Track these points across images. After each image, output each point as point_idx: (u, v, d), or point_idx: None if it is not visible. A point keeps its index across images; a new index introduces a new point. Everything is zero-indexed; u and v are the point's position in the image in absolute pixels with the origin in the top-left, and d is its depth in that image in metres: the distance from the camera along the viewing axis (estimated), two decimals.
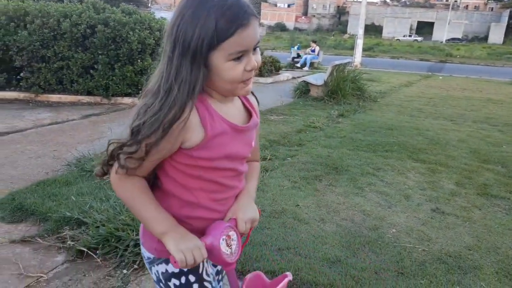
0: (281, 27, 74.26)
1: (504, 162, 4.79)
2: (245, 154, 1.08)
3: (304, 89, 9.02)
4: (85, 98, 7.06)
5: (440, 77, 16.80)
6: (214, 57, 0.89)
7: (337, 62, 9.03)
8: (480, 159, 4.87)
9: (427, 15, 69.87)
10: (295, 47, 18.80)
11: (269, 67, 12.12)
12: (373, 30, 64.16)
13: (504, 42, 56.82)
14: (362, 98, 8.95)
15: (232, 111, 1.03)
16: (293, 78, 11.99)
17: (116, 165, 0.96)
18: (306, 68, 16.02)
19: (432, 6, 78.50)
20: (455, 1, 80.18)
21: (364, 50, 21.23)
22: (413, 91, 11.52)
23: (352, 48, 20.96)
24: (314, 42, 17.74)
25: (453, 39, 57.90)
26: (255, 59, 0.94)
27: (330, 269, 2.36)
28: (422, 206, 3.40)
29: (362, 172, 4.12)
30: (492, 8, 75.39)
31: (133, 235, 2.39)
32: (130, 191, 0.98)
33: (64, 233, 2.56)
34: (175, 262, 0.92)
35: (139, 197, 0.98)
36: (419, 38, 57.96)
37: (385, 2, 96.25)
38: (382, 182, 3.90)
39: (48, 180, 3.41)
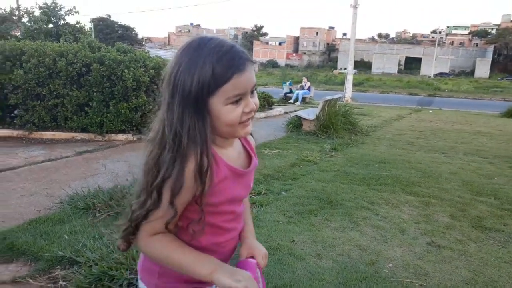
0: (272, 64, 75.98)
1: (496, 194, 4.82)
2: (244, 196, 1.12)
3: (296, 124, 9.14)
4: (79, 135, 7.08)
5: (430, 111, 17.13)
6: (213, 102, 0.91)
7: (328, 97, 9.21)
8: (472, 191, 4.90)
9: (414, 51, 72.05)
10: (287, 83, 19.18)
11: (262, 102, 12.32)
12: (362, 65, 65.81)
13: (490, 76, 58.42)
14: (354, 132, 9.07)
15: (233, 154, 1.05)
16: (286, 112, 12.17)
17: (142, 232, 0.96)
18: (298, 103, 16.29)
19: (419, 43, 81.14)
20: (440, 38, 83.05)
21: (354, 85, 21.70)
22: (404, 125, 11.70)
23: (342, 83, 21.43)
24: (306, 77, 18.15)
25: (440, 73, 59.51)
26: (253, 101, 0.97)
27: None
28: (418, 239, 3.39)
29: (357, 206, 4.12)
30: (477, 44, 78.06)
31: (126, 274, 2.34)
32: (163, 248, 0.96)
33: (56, 273, 2.51)
34: None
35: (173, 250, 0.96)
36: (354, 71, 58.76)
37: (373, 39, 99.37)
38: (377, 216, 3.90)
39: (40, 219, 3.36)
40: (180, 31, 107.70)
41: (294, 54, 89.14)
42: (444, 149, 7.83)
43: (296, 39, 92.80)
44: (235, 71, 0.91)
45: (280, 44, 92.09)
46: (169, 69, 0.94)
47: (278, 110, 12.88)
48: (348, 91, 18.95)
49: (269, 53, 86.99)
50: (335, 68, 63.77)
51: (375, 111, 14.82)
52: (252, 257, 1.08)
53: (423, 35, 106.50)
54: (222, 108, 0.92)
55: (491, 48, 67.44)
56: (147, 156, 0.95)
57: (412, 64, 68.68)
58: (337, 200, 4.25)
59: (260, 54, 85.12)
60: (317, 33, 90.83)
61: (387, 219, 3.83)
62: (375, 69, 65.85)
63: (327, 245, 3.18)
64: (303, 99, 16.77)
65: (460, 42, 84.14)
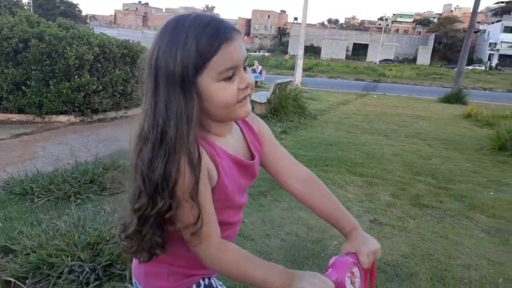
0: None
1: (434, 174, 5.13)
2: (248, 186, 1.02)
3: None
4: (16, 116, 6.61)
5: (375, 96, 17.80)
6: (203, 80, 0.81)
7: (279, 81, 9.27)
8: (412, 171, 5.18)
9: (362, 38, 74.15)
10: None
11: None
12: (312, 51, 66.82)
13: (430, 64, 61.62)
14: (303, 116, 9.23)
15: (233, 144, 0.95)
16: None
17: (209, 238, 0.85)
18: None
19: (366, 29, 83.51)
20: (386, 25, 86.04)
21: (304, 70, 21.99)
22: (350, 109, 12.08)
23: (292, 68, 21.66)
24: (257, 61, 18.14)
25: (385, 60, 61.87)
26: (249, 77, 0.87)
27: None
28: (361, 217, 3.53)
29: None
30: (420, 32, 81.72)
31: (67, 260, 2.24)
32: (237, 259, 0.86)
33: None
34: None
35: (246, 261, 0.86)
36: (267, 53, 62.45)
37: (323, 25, 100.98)
38: None
39: None
40: (127, 9, 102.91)
41: (245, 37, 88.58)
42: (387, 132, 8.18)
43: (248, 22, 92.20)
44: (222, 41, 0.80)
45: None
46: (148, 54, 0.83)
47: None
48: (298, 76, 19.17)
49: None
50: (286, 53, 64.36)
51: (323, 96, 15.16)
52: (354, 253, 0.93)
53: (370, 22, 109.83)
54: (214, 86, 0.81)
55: (432, 36, 71.03)
56: (137, 158, 0.81)
57: (360, 50, 70.80)
58: None
59: None
60: (269, 16, 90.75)
61: None
62: (324, 54, 67.19)
63: (276, 225, 3.23)
64: (255, 82, 16.77)
65: (405, 30, 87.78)
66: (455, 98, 16.59)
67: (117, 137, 5.63)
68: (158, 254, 0.88)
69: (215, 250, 0.85)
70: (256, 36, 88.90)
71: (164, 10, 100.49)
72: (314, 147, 6.15)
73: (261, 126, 1.06)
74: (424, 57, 65.18)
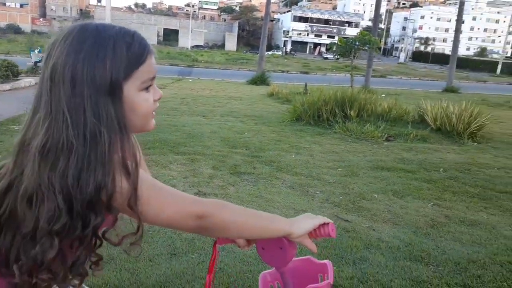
0: (14, 29, 64.56)
1: (247, 145, 5.68)
2: None
3: None
4: None
5: (190, 80, 18.31)
6: (128, 88, 0.78)
7: None
8: (229, 145, 5.62)
9: (171, 23, 74.34)
10: (35, 51, 16.77)
11: (5, 72, 10.43)
12: None
13: (237, 49, 66.42)
14: None
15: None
16: (37, 83, 10.70)
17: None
18: None
19: (175, 15, 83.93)
20: (194, 11, 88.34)
21: None
22: (167, 93, 12.14)
23: None
24: None
25: (197, 45, 63.74)
26: None
27: (105, 269, 2.28)
28: (187, 191, 3.65)
29: None
30: (225, 19, 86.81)
31: None
32: (239, 211, 0.90)
33: None
34: (332, 228, 0.90)
35: (249, 212, 0.92)
36: None
37: (130, 8, 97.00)
38: None
39: None
40: None
41: (41, 19, 78.04)
42: (204, 113, 8.58)
43: (43, 2, 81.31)
44: (149, 52, 0.81)
45: (21, 6, 78.80)
46: (55, 62, 0.75)
47: (27, 80, 11.22)
48: None
49: (9, 16, 73.39)
50: None
51: None
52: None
53: (178, 8, 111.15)
54: (137, 95, 0.79)
55: (236, 24, 76.51)
56: (50, 172, 0.72)
57: (171, 36, 70.97)
58: None
59: None
60: None
61: (157, 178, 3.88)
62: None
63: None
64: None
65: (211, 17, 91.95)
66: (260, 80, 18.49)
67: None
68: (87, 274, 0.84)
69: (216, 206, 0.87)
70: (54, 19, 79.34)
71: None
72: None
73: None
74: (231, 43, 69.78)
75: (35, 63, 15.64)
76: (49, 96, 0.75)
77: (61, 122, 0.74)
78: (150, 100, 0.83)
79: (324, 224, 0.90)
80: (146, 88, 0.82)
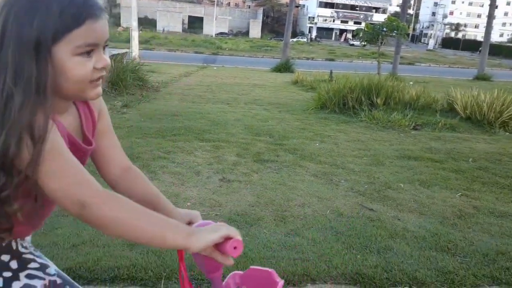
0: None
1: (271, 133, 5.68)
2: None
3: None
4: None
5: (215, 68, 18.35)
6: (59, 50, 0.76)
7: (114, 52, 8.74)
8: (253, 133, 5.63)
9: (196, 10, 74.36)
10: None
11: None
12: (147, 23, 64.28)
13: (261, 36, 65.98)
14: (145, 88, 8.98)
15: (72, 124, 0.89)
16: None
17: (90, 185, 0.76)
18: None
19: (200, 2, 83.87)
20: None
21: (141, 43, 21.10)
22: (192, 80, 12.23)
23: (128, 41, 20.56)
24: None
25: (221, 33, 63.63)
26: (107, 58, 0.84)
27: (131, 252, 2.35)
28: (211, 178, 3.73)
29: (154, 157, 4.19)
30: (250, 6, 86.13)
31: None
32: (130, 208, 0.78)
33: None
34: (235, 245, 0.79)
35: (142, 212, 0.79)
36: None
37: None
38: (174, 163, 4.07)
39: None
40: None
41: None
42: (228, 100, 8.61)
43: None
44: (89, 16, 0.77)
45: None
46: None
47: None
48: (135, 48, 18.31)
49: None
50: (119, 25, 60.35)
51: (164, 68, 14.93)
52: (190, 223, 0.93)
53: None
54: (70, 60, 0.77)
55: (261, 10, 75.86)
56: None
57: (195, 23, 71.08)
58: (133, 154, 4.20)
59: None
60: None
61: (183, 164, 4.05)
62: (160, 27, 65.36)
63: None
64: None
65: (236, 4, 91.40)
66: (284, 67, 18.34)
67: None
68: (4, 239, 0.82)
69: (111, 196, 0.78)
70: None
71: None
72: (160, 119, 6.09)
73: (102, 109, 1.01)
74: (255, 30, 69.34)
75: None
76: None
77: None
78: (88, 66, 0.79)
79: (230, 239, 0.80)
80: (87, 54, 0.79)
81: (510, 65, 37.07)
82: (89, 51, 0.79)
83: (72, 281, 1.02)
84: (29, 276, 0.92)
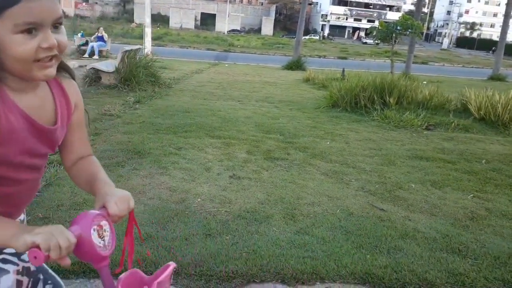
0: None
1: (281, 131, 5.67)
2: (45, 152, 0.96)
3: (94, 77, 8.48)
4: None
5: (226, 65, 18.35)
6: None
7: (127, 48, 8.79)
8: (263, 130, 5.63)
9: (209, 7, 74.44)
10: (78, 35, 17.33)
11: None
12: (160, 19, 64.56)
13: (273, 34, 65.79)
14: (157, 85, 9.02)
15: (33, 102, 0.88)
16: (80, 66, 11.06)
17: None
18: (95, 57, 15.01)
19: None
20: None
21: (153, 39, 21.21)
22: (204, 77, 12.26)
23: (141, 37, 20.69)
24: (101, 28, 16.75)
25: (233, 30, 63.63)
26: (59, 39, 0.82)
27: (142, 246, 2.37)
28: (222, 175, 3.74)
29: (165, 153, 4.22)
30: (262, 3, 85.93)
31: None
32: None
33: None
34: (34, 255, 0.73)
35: None
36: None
37: None
38: (184, 159, 4.10)
39: None
40: None
41: (84, 4, 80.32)
42: (239, 98, 8.61)
43: None
44: None
45: None
46: None
47: (71, 63, 11.53)
48: (148, 45, 18.41)
49: None
50: (132, 21, 60.72)
51: (176, 65, 14.99)
52: (104, 207, 0.90)
53: None
54: (10, 37, 0.77)
55: (273, 8, 75.63)
56: None
57: (208, 20, 71.19)
58: (144, 150, 4.24)
59: None
60: None
61: (194, 161, 4.07)
62: (173, 23, 65.61)
63: (137, 192, 3.19)
64: (100, 52, 15.52)
65: (248, 1, 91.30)
66: (296, 65, 18.24)
67: None
68: None
69: None
70: (96, 3, 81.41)
71: None
72: (172, 115, 6.12)
73: (79, 100, 1.05)
74: (267, 28, 69.16)
75: (79, 46, 16.18)
76: None
77: None
78: (30, 45, 0.78)
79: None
80: (29, 32, 0.78)
81: None
82: (30, 29, 0.78)
83: (47, 268, 1.04)
84: (3, 261, 0.95)
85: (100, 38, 15.92)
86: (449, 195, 3.66)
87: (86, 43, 16.08)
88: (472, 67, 32.69)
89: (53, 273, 1.06)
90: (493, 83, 14.88)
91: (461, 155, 5.04)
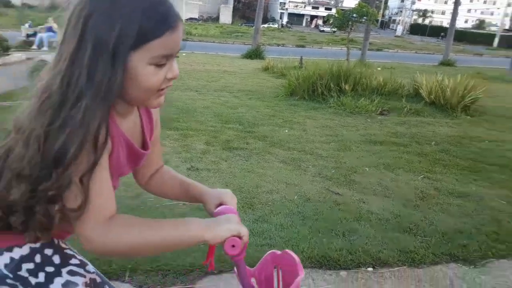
0: (4, 3, 62.97)
1: (240, 121, 5.67)
2: (127, 174, 0.98)
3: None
4: None
5: (184, 54, 18.00)
6: (135, 58, 0.75)
7: None
8: (222, 120, 5.61)
9: None
10: (26, 25, 16.45)
11: None
12: None
13: (232, 22, 65.26)
14: None
15: (129, 126, 0.89)
16: (28, 59, 10.53)
17: (90, 219, 0.75)
18: (45, 48, 14.30)
19: None
20: None
21: None
22: None
23: None
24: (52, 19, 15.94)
25: (191, 18, 62.46)
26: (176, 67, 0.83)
27: None
28: (180, 167, 3.70)
29: None
30: None
31: None
32: (130, 228, 0.80)
33: None
34: (233, 244, 0.81)
35: (148, 226, 0.82)
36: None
37: None
38: None
39: None
40: None
41: None
42: (197, 88, 8.51)
43: None
44: (168, 28, 0.76)
45: None
46: (75, 9, 0.74)
47: (17, 56, 11.00)
48: None
49: None
50: None
51: None
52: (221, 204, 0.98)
53: None
54: (144, 68, 0.76)
55: None
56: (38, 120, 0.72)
57: None
58: None
59: None
60: None
61: None
62: None
63: None
64: (50, 43, 14.81)
65: None
66: (255, 54, 18.26)
67: None
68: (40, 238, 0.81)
69: (109, 225, 0.77)
70: None
71: None
72: None
73: (158, 117, 1.03)
74: (226, 16, 68.50)
75: (27, 35, 15.36)
76: (62, 44, 0.75)
77: (59, 73, 0.73)
78: (159, 76, 0.79)
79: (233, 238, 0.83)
80: (160, 64, 0.79)
81: (473, 51, 38.33)
82: (164, 62, 0.79)
83: (108, 280, 1.02)
84: (70, 273, 0.91)
85: (50, 29, 15.17)
86: (401, 177, 3.82)
87: (34, 34, 15.28)
88: (424, 53, 34.03)
89: (114, 286, 1.04)
90: (443, 68, 15.57)
91: (412, 138, 5.25)
